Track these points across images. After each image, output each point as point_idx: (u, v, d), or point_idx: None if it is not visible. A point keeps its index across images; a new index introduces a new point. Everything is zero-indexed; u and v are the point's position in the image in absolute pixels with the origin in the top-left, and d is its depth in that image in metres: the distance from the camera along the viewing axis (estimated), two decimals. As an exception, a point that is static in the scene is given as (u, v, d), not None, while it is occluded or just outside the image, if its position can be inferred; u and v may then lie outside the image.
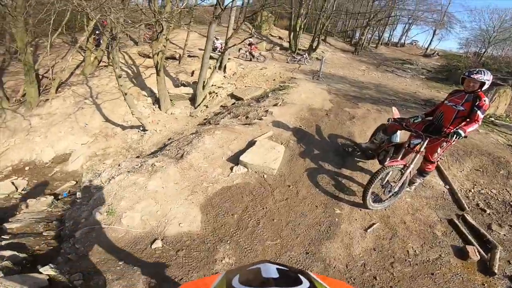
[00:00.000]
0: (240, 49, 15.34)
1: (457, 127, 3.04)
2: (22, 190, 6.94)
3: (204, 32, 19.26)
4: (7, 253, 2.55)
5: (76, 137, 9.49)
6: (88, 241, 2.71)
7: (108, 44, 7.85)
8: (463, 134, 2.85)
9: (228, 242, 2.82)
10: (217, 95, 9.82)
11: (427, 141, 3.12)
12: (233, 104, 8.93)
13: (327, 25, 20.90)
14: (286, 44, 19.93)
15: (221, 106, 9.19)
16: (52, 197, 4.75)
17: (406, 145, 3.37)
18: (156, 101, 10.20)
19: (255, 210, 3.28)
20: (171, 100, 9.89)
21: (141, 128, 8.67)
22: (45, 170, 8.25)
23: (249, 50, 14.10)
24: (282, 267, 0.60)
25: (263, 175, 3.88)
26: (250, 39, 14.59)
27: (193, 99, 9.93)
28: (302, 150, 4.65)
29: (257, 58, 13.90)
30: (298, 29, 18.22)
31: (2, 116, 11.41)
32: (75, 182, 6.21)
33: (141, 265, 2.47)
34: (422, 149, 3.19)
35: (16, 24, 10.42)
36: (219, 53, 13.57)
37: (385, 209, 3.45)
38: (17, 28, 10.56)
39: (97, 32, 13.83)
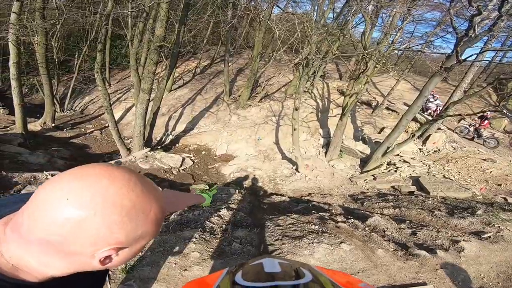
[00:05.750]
0: (462, 119, 11.46)
1: None
2: (183, 169, 8.31)
3: (419, 85, 16.30)
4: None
5: (247, 146, 10.54)
6: None
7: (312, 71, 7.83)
8: None
9: None
10: (396, 170, 7.57)
11: None
12: (410, 193, 6.45)
13: None
14: (549, 132, 13.03)
15: (392, 186, 6.94)
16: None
17: None
18: (327, 145, 9.41)
19: None
20: (341, 151, 8.75)
21: (295, 167, 8.21)
22: (210, 161, 9.68)
23: (477, 125, 10.00)
24: (284, 261, 0.60)
25: None
26: (487, 112, 10.44)
27: (364, 162, 8.27)
28: None
29: (485, 141, 9.60)
30: None
31: (220, 105, 14.85)
32: (207, 188, 6.51)
33: None
34: None
35: (258, 34, 12.87)
36: (429, 116, 10.75)
37: None
38: (257, 37, 13.03)
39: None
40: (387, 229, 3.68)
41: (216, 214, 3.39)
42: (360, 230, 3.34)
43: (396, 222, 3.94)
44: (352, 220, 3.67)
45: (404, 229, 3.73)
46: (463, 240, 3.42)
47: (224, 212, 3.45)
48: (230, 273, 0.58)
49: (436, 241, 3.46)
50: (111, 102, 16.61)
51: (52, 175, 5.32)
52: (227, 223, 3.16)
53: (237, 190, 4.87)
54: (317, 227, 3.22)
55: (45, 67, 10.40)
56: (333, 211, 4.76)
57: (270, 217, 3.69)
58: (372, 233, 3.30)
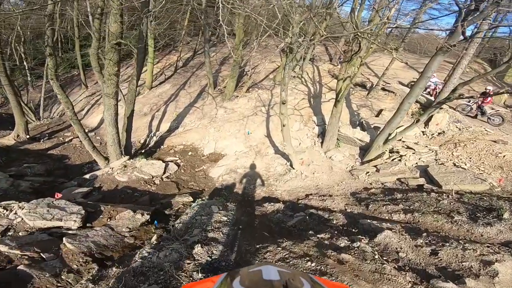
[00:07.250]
0: (461, 95, 10.69)
1: None
2: (167, 176, 7.52)
3: (412, 62, 15.46)
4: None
5: (236, 142, 9.74)
6: None
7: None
8: None
9: None
10: (400, 159, 6.88)
11: None
12: (419, 186, 5.77)
13: None
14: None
15: (398, 179, 6.26)
16: (148, 217, 4.14)
17: None
18: (322, 134, 8.67)
19: None
20: (338, 140, 8.02)
21: (289, 163, 7.49)
22: (197, 162, 8.87)
23: (479, 102, 9.08)
24: (283, 270, 0.59)
25: None
26: (488, 88, 9.62)
27: (364, 150, 7.56)
28: None
29: (489, 118, 8.79)
30: None
31: (205, 99, 13.87)
32: (191, 200, 5.77)
33: None
34: None
35: (238, 20, 11.80)
36: (428, 95, 10.01)
37: None
38: (238, 24, 11.96)
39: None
40: (401, 249, 2.99)
41: (187, 254, 2.65)
42: (368, 261, 2.63)
43: (410, 236, 3.25)
44: (358, 243, 2.96)
45: (421, 246, 3.03)
46: (496, 261, 2.74)
47: (198, 250, 2.71)
48: (228, 277, 0.57)
49: (463, 263, 2.78)
50: (90, 105, 15.60)
51: (5, 208, 4.49)
52: (198, 269, 2.42)
53: (220, 207, 4.12)
54: (314, 264, 2.50)
55: (5, 75, 9.35)
56: (334, 221, 4.06)
57: (257, 246, 2.96)
58: (384, 264, 2.58)
